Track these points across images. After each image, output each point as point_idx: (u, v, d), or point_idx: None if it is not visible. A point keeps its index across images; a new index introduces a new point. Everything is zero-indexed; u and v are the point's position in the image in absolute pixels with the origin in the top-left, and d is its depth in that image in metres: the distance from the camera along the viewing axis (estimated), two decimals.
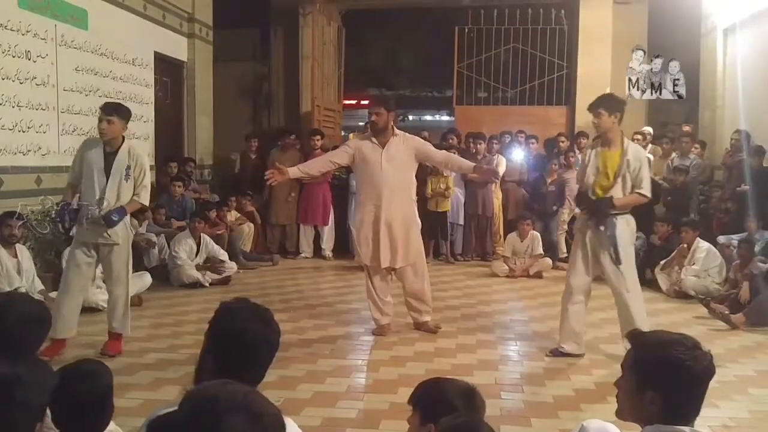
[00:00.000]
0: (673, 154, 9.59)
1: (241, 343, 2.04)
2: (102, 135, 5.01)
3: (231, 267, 8.20)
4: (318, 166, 6.22)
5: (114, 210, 4.96)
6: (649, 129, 10.45)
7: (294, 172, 5.84)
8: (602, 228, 5.03)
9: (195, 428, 1.35)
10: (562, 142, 10.41)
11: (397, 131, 5.79)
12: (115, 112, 5.03)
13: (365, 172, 5.74)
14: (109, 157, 5.03)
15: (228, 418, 1.32)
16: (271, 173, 5.67)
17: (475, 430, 1.95)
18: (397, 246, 5.69)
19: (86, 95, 7.53)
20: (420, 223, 5.98)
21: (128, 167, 5.05)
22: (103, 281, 5.67)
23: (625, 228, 5.08)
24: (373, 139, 5.74)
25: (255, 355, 2.06)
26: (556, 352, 5.22)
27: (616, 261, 5.02)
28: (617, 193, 5.01)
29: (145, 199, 5.25)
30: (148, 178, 5.24)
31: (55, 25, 6.99)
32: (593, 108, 5.08)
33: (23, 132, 6.52)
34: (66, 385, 2.23)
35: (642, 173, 5.01)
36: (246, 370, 2.01)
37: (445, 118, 20.20)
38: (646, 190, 5.05)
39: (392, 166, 5.64)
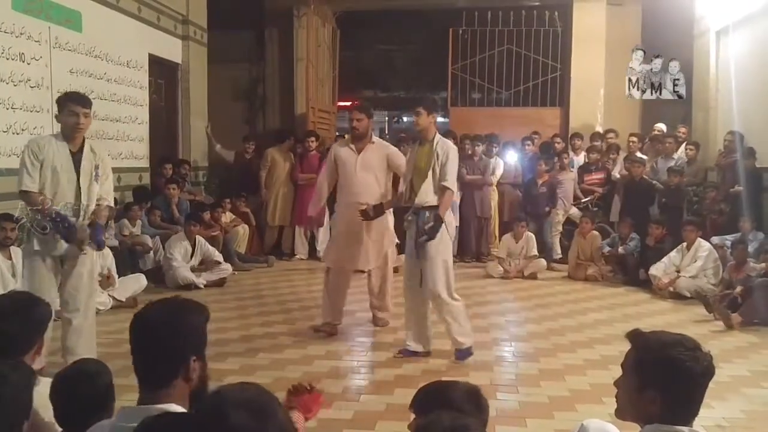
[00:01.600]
0: (659, 157, 9.65)
1: (148, 334, 1.93)
2: (79, 132, 4.52)
3: (226, 269, 8.20)
4: (324, 191, 6.11)
5: (95, 230, 4.50)
6: (661, 126, 10.41)
7: (315, 209, 6.19)
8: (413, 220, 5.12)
9: (203, 423, 1.42)
10: (558, 143, 10.44)
11: (374, 138, 5.90)
12: (90, 104, 4.62)
13: (342, 176, 5.82)
14: (75, 158, 4.53)
15: (233, 413, 1.38)
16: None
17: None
18: (367, 250, 5.76)
19: None
20: (392, 229, 6.00)
21: (96, 167, 4.60)
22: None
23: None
24: (351, 145, 5.82)
25: (161, 344, 1.91)
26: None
27: (419, 255, 5.05)
28: (429, 186, 5.05)
29: (111, 200, 4.85)
30: (112, 179, 4.84)
31: (49, 28, 6.97)
32: (414, 107, 5.22)
33: (17, 134, 6.49)
34: (68, 384, 2.28)
35: (447, 166, 5.02)
36: (159, 360, 1.90)
37: (440, 119, 20.22)
38: (450, 182, 5.03)
39: (366, 173, 5.72)
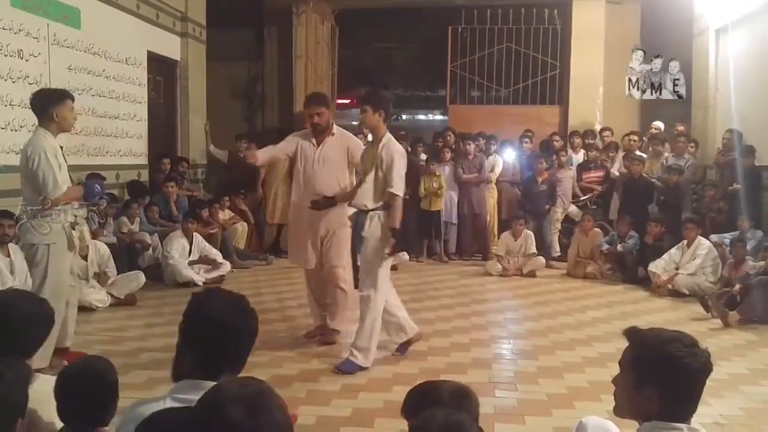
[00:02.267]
0: (666, 154, 9.61)
1: (216, 333, 1.96)
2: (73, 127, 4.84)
3: (224, 266, 8.20)
4: (276, 151, 5.81)
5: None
6: (659, 124, 10.35)
7: (262, 156, 5.66)
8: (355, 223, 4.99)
9: (199, 416, 1.44)
10: (557, 141, 10.44)
11: (335, 129, 5.57)
12: None
13: (300, 169, 5.57)
14: (61, 149, 4.67)
15: (230, 408, 1.40)
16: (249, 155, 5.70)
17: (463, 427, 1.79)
18: (321, 247, 5.49)
19: (79, 94, 7.45)
20: (348, 226, 5.30)
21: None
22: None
23: (376, 226, 4.85)
24: (312, 139, 5.53)
25: (231, 344, 1.99)
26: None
27: (358, 256, 4.94)
28: (369, 187, 4.86)
29: None
30: None
31: (48, 24, 6.96)
32: (359, 103, 5.02)
33: (15, 131, 6.48)
34: (75, 381, 2.29)
35: (393, 171, 4.76)
36: (224, 360, 1.97)
37: (439, 117, 20.21)
38: (396, 188, 4.76)
39: (324, 167, 5.44)
